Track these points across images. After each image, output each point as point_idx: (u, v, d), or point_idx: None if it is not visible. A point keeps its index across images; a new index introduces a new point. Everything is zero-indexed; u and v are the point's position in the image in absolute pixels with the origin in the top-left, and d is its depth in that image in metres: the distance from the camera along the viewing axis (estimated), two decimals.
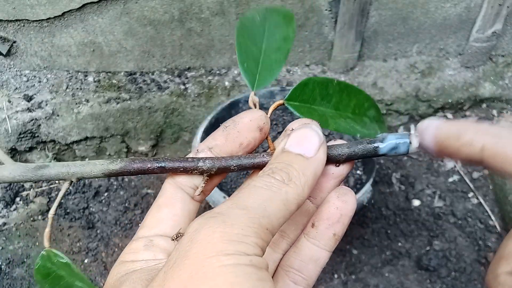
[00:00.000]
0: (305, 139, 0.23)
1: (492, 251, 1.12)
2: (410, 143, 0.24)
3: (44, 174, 0.22)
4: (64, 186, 0.24)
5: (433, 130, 0.23)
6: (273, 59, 0.30)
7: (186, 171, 0.25)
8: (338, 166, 0.26)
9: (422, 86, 1.36)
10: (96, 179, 1.36)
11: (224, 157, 0.26)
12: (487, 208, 1.20)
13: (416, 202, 1.23)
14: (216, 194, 0.92)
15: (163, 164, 0.25)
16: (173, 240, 0.24)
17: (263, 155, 0.26)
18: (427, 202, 1.23)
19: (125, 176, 1.34)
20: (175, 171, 0.25)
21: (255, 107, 0.29)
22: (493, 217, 1.18)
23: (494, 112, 1.41)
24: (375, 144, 0.25)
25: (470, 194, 1.25)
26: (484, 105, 1.42)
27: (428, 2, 1.24)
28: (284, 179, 0.21)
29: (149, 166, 0.24)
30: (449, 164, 1.33)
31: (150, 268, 0.22)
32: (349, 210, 0.25)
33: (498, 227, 1.16)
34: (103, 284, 1.15)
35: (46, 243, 0.24)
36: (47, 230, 0.24)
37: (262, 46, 0.31)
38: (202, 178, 0.26)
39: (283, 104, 0.29)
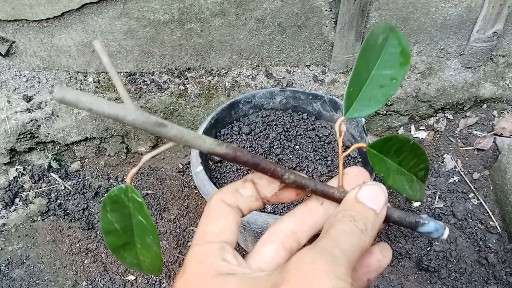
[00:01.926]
0: (376, 196, 0.27)
1: (493, 252, 1.12)
2: (442, 234, 0.28)
3: (161, 131, 0.24)
4: (170, 144, 0.26)
5: None
6: (374, 94, 0.30)
7: (273, 175, 0.28)
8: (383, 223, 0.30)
9: (422, 87, 1.35)
10: (97, 180, 1.35)
11: (305, 177, 0.29)
12: (488, 209, 1.20)
13: (416, 203, 1.23)
14: None
15: (258, 162, 0.27)
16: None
17: (335, 190, 0.29)
18: (428, 202, 1.23)
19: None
20: (264, 172, 0.28)
21: (340, 136, 0.31)
22: (493, 218, 1.18)
23: (495, 112, 1.41)
24: (420, 222, 0.28)
25: (471, 195, 1.24)
26: (484, 106, 1.41)
27: (429, 3, 1.24)
28: (363, 229, 0.25)
29: (246, 159, 0.27)
30: (450, 164, 1.33)
31: (246, 276, 0.24)
32: (385, 264, 0.29)
33: (498, 227, 1.16)
34: (103, 286, 1.14)
35: (128, 180, 0.27)
36: (134, 170, 0.26)
37: (370, 75, 0.30)
38: (279, 185, 0.29)
39: (365, 147, 0.31)
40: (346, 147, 1.16)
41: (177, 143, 0.25)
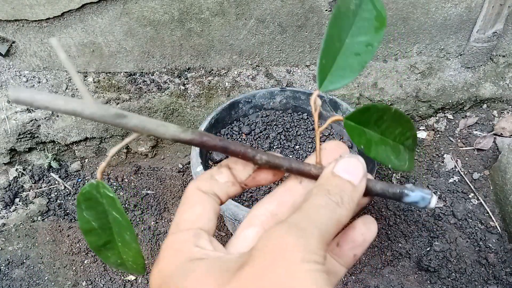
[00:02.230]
0: (353, 168, 0.26)
1: (493, 252, 1.12)
2: (429, 202, 0.27)
3: (121, 123, 0.23)
4: (133, 136, 0.26)
5: None
6: (349, 63, 0.28)
7: (244, 158, 0.28)
8: (365, 197, 0.29)
9: (422, 87, 1.35)
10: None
11: (279, 157, 0.28)
12: (488, 209, 1.20)
13: None
14: None
15: (226, 145, 0.27)
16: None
17: (311, 167, 0.28)
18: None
19: (128, 172, 1.34)
20: (235, 155, 0.27)
21: (315, 110, 0.30)
22: (493, 218, 1.18)
23: (495, 112, 1.41)
24: (404, 192, 0.27)
25: (471, 195, 1.24)
26: (484, 106, 1.41)
27: (429, 2, 1.24)
28: (339, 201, 0.24)
29: (214, 143, 0.27)
30: (450, 164, 1.33)
31: (217, 259, 0.23)
32: (371, 237, 0.28)
33: (498, 228, 1.16)
34: (103, 286, 1.14)
35: (98, 176, 0.27)
36: (103, 165, 0.26)
37: (344, 44, 0.28)
38: (253, 167, 0.29)
39: (341, 120, 0.30)
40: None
41: (140, 133, 0.25)
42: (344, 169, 0.26)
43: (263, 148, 1.14)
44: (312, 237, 0.21)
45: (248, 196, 1.05)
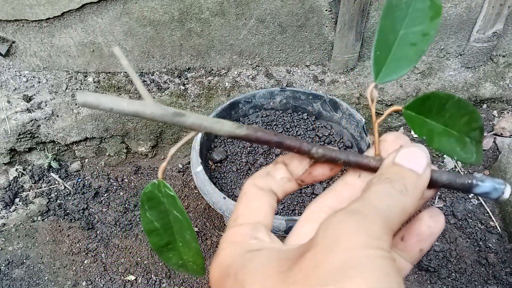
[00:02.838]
0: (416, 157, 0.25)
1: (493, 252, 1.12)
2: (503, 193, 0.25)
3: (180, 121, 0.24)
4: (191, 134, 0.26)
5: None
6: (405, 54, 0.28)
7: (300, 152, 0.27)
8: (430, 189, 0.27)
9: (422, 87, 1.35)
10: (96, 180, 1.34)
11: (335, 150, 0.27)
12: (488, 209, 1.20)
13: None
14: (216, 194, 0.91)
15: (282, 140, 0.27)
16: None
17: (370, 159, 0.27)
18: (428, 202, 1.23)
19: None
20: (290, 150, 0.27)
21: (372, 102, 0.29)
22: (493, 218, 1.18)
23: (495, 112, 1.41)
24: (473, 182, 0.26)
25: (471, 195, 1.24)
26: (484, 106, 1.41)
27: None
28: (402, 189, 0.23)
29: (269, 138, 0.26)
30: (450, 164, 1.33)
31: (275, 249, 0.23)
32: (438, 230, 0.27)
33: (498, 228, 1.16)
34: (103, 286, 1.14)
35: (160, 175, 0.27)
36: (164, 164, 0.27)
37: (399, 35, 0.28)
38: (308, 161, 0.28)
39: (401, 110, 0.29)
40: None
41: (197, 131, 0.25)
42: (406, 159, 0.25)
43: (263, 148, 1.14)
44: (375, 223, 0.20)
45: None
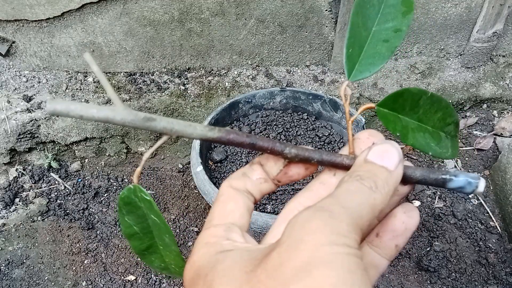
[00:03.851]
0: (387, 154, 0.25)
1: (493, 252, 1.12)
2: (477, 187, 0.25)
3: (151, 126, 0.24)
4: (163, 139, 0.26)
5: None
6: (378, 51, 0.28)
7: (273, 153, 0.27)
8: (405, 185, 0.27)
9: (422, 87, 1.35)
10: (98, 180, 1.35)
11: (308, 149, 0.27)
12: (488, 209, 1.20)
13: (416, 203, 1.23)
14: (215, 194, 0.91)
15: (254, 141, 0.27)
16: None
17: (343, 157, 0.27)
18: (428, 202, 1.23)
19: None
20: (263, 151, 0.27)
21: (346, 100, 0.29)
22: (493, 218, 1.18)
23: (495, 112, 1.41)
24: (447, 178, 0.26)
25: (471, 195, 1.24)
26: (484, 106, 1.41)
27: (429, 2, 1.24)
28: (372, 186, 0.23)
29: (241, 140, 0.26)
30: (450, 164, 1.33)
31: (245, 248, 0.23)
32: (413, 225, 0.27)
33: (498, 228, 1.16)
34: (103, 286, 1.14)
35: (135, 180, 0.27)
36: (138, 169, 0.27)
37: (371, 32, 0.28)
38: (283, 161, 0.28)
39: (373, 107, 0.29)
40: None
41: (169, 135, 0.25)
42: (377, 156, 0.25)
43: None
44: (341, 220, 0.20)
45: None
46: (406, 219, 0.27)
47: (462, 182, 0.25)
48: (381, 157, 0.25)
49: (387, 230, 0.27)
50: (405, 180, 0.26)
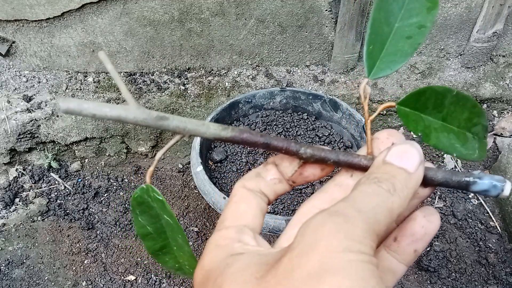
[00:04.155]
0: (407, 154, 0.24)
1: (493, 252, 1.12)
2: (503, 190, 0.24)
3: (163, 125, 0.24)
4: (176, 138, 0.26)
5: None
6: (400, 48, 0.27)
7: (288, 153, 0.26)
8: (425, 188, 0.26)
9: (422, 87, 1.35)
10: (98, 180, 1.34)
11: (324, 149, 0.26)
12: (488, 209, 1.20)
13: None
14: (216, 194, 0.91)
15: (268, 141, 0.26)
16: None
17: (361, 158, 0.26)
18: (428, 202, 1.23)
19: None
20: (278, 151, 0.26)
21: (365, 99, 0.28)
22: (493, 218, 1.18)
23: (495, 112, 1.41)
24: (470, 180, 0.24)
25: (471, 195, 1.24)
26: (484, 106, 1.41)
27: None
28: (390, 189, 0.22)
29: (255, 140, 0.26)
30: (450, 164, 1.33)
31: (256, 253, 0.22)
32: (433, 230, 0.25)
33: (498, 227, 1.16)
34: (103, 286, 1.14)
35: (147, 180, 0.27)
36: (151, 169, 0.26)
37: (394, 28, 0.27)
38: (298, 162, 0.27)
39: (394, 106, 0.28)
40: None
41: (182, 134, 0.25)
42: (397, 156, 0.24)
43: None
44: (356, 225, 0.19)
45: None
46: (426, 224, 0.26)
47: (487, 185, 0.24)
48: (400, 158, 0.24)
49: (406, 235, 0.26)
50: (426, 182, 0.25)
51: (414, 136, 0.28)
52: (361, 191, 0.22)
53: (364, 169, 0.26)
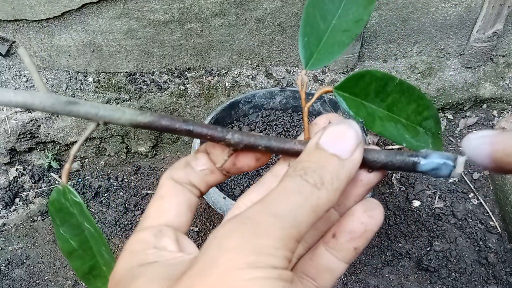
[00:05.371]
0: (342, 137, 0.21)
1: (493, 252, 1.12)
2: (454, 166, 0.22)
3: (73, 110, 0.22)
4: (90, 127, 0.24)
5: (488, 147, 0.21)
6: (338, 40, 0.26)
7: (213, 140, 0.24)
8: (370, 172, 0.24)
9: (422, 87, 1.36)
10: (96, 180, 1.34)
11: (254, 135, 0.24)
12: (488, 209, 1.20)
13: (416, 203, 1.23)
14: (216, 194, 0.91)
15: (191, 128, 0.24)
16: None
17: (295, 142, 0.24)
18: (428, 202, 1.23)
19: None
20: (202, 138, 0.24)
21: (302, 88, 0.26)
22: (493, 218, 1.18)
23: (495, 112, 1.41)
24: (416, 159, 0.22)
25: (471, 195, 1.24)
26: (484, 106, 1.42)
27: (429, 2, 1.24)
28: (317, 182, 0.19)
29: (177, 126, 0.23)
30: None
31: (167, 263, 0.20)
32: (374, 226, 0.23)
33: (498, 227, 1.16)
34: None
35: (64, 179, 0.23)
36: (67, 166, 0.24)
37: (331, 24, 0.26)
38: (228, 150, 0.25)
39: (331, 91, 0.26)
40: None
41: (95, 121, 0.23)
42: (330, 140, 0.21)
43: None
44: (268, 234, 0.17)
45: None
46: (366, 219, 0.23)
47: (436, 164, 0.22)
48: (333, 142, 0.21)
49: (344, 231, 0.23)
50: (368, 165, 0.23)
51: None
52: (281, 188, 0.19)
53: (299, 154, 0.24)
